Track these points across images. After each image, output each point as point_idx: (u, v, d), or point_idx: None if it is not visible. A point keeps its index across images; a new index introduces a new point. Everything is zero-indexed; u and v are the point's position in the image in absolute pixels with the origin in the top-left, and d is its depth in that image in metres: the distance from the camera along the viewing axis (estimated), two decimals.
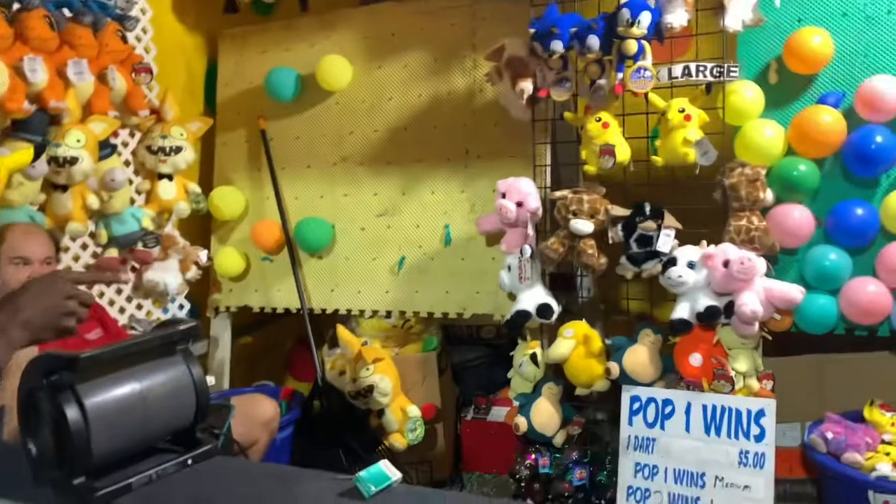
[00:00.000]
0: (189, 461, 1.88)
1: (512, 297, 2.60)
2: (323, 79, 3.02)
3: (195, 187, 3.09)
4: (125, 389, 1.78)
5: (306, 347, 3.18)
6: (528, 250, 2.49)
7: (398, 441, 2.86)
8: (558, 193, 2.47)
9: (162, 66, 2.98)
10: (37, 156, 2.39)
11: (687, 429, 2.37)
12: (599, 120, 2.41)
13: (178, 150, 2.92)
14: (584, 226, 2.40)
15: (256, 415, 2.54)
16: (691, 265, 2.33)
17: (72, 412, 1.66)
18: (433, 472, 3.09)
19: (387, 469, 1.76)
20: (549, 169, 2.71)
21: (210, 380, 2.63)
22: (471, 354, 3.51)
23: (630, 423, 2.44)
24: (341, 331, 2.94)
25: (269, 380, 3.44)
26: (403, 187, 3.01)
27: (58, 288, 0.99)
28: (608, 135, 2.40)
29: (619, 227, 2.44)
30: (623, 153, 2.42)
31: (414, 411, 2.89)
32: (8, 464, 1.73)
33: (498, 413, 3.13)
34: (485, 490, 2.97)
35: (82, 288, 1.06)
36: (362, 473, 1.72)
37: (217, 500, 1.71)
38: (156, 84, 2.98)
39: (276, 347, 3.76)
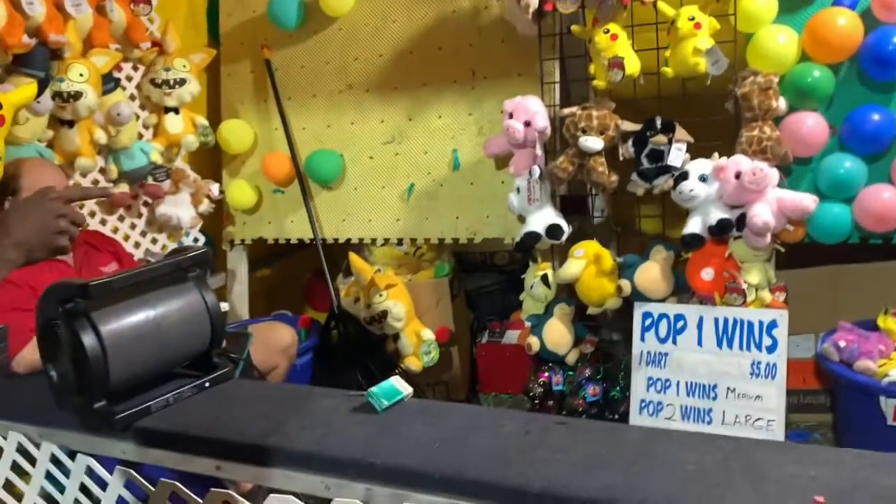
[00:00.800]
0: (206, 384, 1.94)
1: (522, 219, 2.59)
2: (326, 4, 2.95)
3: (202, 120, 3.08)
4: (140, 316, 1.82)
5: (323, 278, 3.21)
6: (536, 171, 2.47)
7: (413, 363, 2.91)
8: (566, 111, 2.42)
9: None
10: (40, 91, 2.39)
11: (699, 342, 2.38)
12: (608, 32, 2.34)
13: (182, 82, 2.90)
14: (593, 143, 2.36)
15: (274, 341, 2.59)
16: (703, 178, 2.29)
17: (88, 338, 1.71)
18: (449, 392, 3.15)
19: (398, 384, 1.79)
20: (557, 86, 2.66)
21: (224, 306, 2.68)
22: (485, 281, 3.52)
23: (642, 338, 2.46)
24: (354, 258, 2.96)
25: (288, 310, 3.49)
26: (410, 112, 2.97)
27: (47, 207, 0.98)
28: (617, 47, 2.34)
29: (630, 142, 2.40)
30: (632, 66, 2.35)
31: (428, 335, 2.92)
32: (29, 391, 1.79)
33: (512, 336, 3.16)
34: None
35: (73, 206, 1.05)
36: (374, 389, 1.76)
37: (235, 419, 1.76)
38: (156, 16, 2.93)
39: (294, 279, 3.80)
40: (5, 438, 1.96)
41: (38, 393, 1.84)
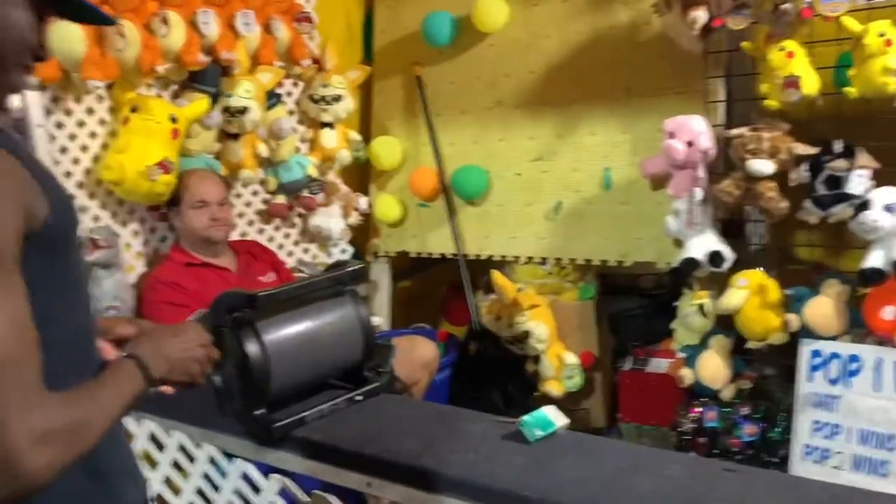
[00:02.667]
0: (358, 397, 1.96)
1: (679, 243, 2.47)
2: (479, 20, 2.95)
3: (356, 135, 3.16)
4: (300, 327, 1.87)
5: (460, 293, 3.21)
6: (699, 193, 2.34)
7: (555, 388, 2.83)
8: (735, 131, 2.28)
9: (321, 15, 3.02)
10: (211, 106, 2.52)
11: (876, 387, 2.17)
12: (783, 49, 2.18)
13: (338, 98, 2.98)
14: (763, 166, 2.21)
15: (417, 356, 2.60)
16: (889, 208, 2.09)
17: (252, 347, 1.76)
18: (589, 420, 3.05)
19: (551, 414, 1.73)
20: (722, 105, 2.52)
21: (376, 320, 2.72)
22: (628, 304, 3.39)
23: (809, 379, 2.27)
24: (497, 276, 2.92)
25: (425, 323, 3.52)
26: (560, 130, 2.91)
27: (197, 333, 1.12)
28: (793, 65, 2.18)
29: (805, 167, 2.23)
30: (810, 85, 2.18)
31: (571, 359, 2.84)
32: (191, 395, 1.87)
33: (657, 364, 3.01)
34: (643, 441, 2.89)
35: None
36: (527, 418, 1.70)
37: (385, 436, 1.76)
38: (317, 34, 3.03)
39: (432, 292, 3.83)
40: (169, 437, 2.07)
41: (201, 397, 1.92)
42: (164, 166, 2.27)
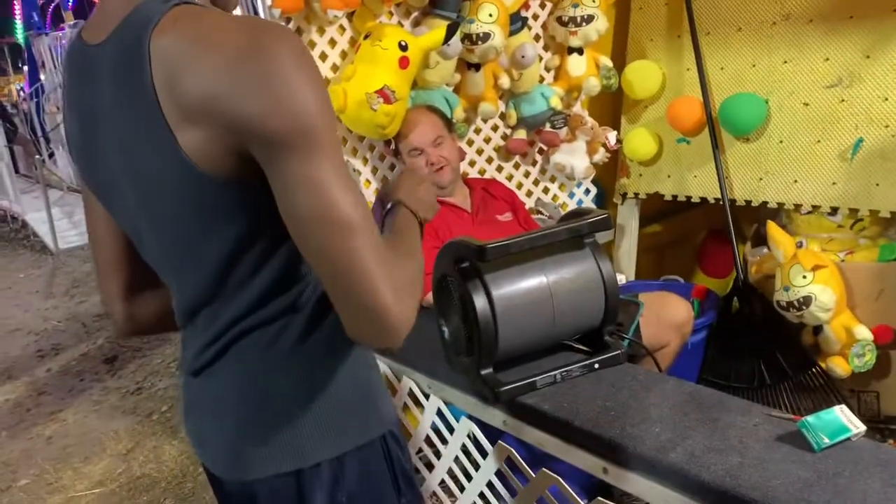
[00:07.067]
0: (596, 365, 1.72)
1: None
2: None
3: (606, 61, 2.81)
4: (532, 282, 1.66)
5: (720, 241, 2.79)
6: None
7: (839, 365, 2.34)
8: None
9: None
10: (450, 34, 2.34)
11: None
12: None
13: (589, 19, 2.66)
14: None
15: (668, 316, 2.29)
16: None
17: (480, 301, 1.60)
18: (881, 404, 2.51)
19: (844, 417, 1.36)
20: None
21: (621, 278, 2.43)
22: None
23: None
24: (773, 228, 2.45)
25: (677, 273, 3.13)
26: (868, 48, 2.32)
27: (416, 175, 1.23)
28: None
29: None
30: None
31: (863, 333, 2.31)
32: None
33: None
34: None
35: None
36: (810, 419, 1.35)
37: (628, 417, 1.51)
38: None
39: (686, 239, 3.42)
40: (399, 381, 2.00)
41: (433, 345, 1.81)
42: (384, 94, 2.13)
